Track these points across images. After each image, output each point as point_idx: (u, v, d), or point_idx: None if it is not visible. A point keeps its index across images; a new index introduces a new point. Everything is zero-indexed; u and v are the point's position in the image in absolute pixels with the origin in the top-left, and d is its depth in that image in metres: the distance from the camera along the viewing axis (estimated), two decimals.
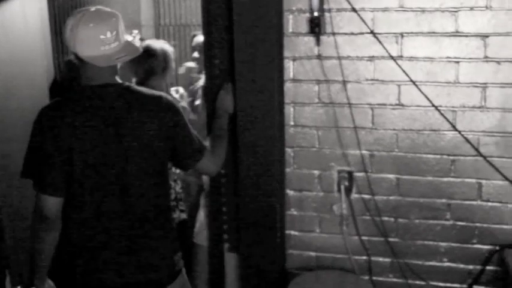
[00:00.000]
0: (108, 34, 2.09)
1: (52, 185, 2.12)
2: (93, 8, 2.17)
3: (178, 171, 3.36)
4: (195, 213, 3.38)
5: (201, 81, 3.49)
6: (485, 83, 2.54)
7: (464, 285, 2.75)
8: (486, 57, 2.51)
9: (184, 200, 3.51)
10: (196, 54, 3.94)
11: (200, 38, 3.92)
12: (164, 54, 3.36)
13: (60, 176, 2.12)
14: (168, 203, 2.39)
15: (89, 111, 2.12)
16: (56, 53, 3.40)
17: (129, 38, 2.22)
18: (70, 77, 3.34)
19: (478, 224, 2.69)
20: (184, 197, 3.51)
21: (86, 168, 2.13)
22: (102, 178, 2.15)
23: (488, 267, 2.70)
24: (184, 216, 3.45)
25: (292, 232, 2.90)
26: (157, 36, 5.44)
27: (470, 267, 2.74)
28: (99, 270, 2.22)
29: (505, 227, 2.66)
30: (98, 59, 2.09)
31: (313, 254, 2.91)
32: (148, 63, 3.29)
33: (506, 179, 2.60)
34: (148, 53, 3.27)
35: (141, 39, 4.24)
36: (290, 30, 2.68)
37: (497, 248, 2.67)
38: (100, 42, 2.08)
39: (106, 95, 2.15)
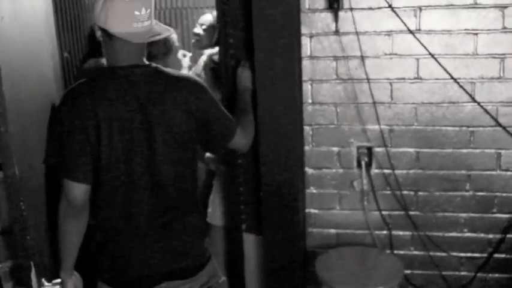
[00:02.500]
0: (143, 11, 2.00)
1: (80, 171, 2.04)
2: None
3: None
4: (205, 196, 3.36)
5: (204, 56, 3.47)
6: (503, 54, 2.56)
7: (485, 254, 2.80)
8: (504, 28, 2.53)
9: None
10: (198, 30, 3.89)
11: (206, 16, 3.89)
12: (164, 40, 3.34)
13: (88, 162, 2.04)
14: (196, 188, 2.32)
15: (116, 94, 2.04)
16: (60, 41, 3.33)
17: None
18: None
19: (497, 194, 2.73)
20: None
21: (113, 153, 2.05)
22: (129, 163, 2.08)
23: (508, 235, 2.75)
24: None
25: (312, 210, 2.90)
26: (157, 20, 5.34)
27: (491, 236, 2.78)
28: (128, 260, 2.16)
29: None
30: (130, 36, 2.00)
31: (333, 231, 2.92)
32: (147, 49, 3.28)
33: None
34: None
35: None
36: (307, 6, 2.65)
37: None
38: (134, 18, 1.99)
39: (135, 76, 2.06)
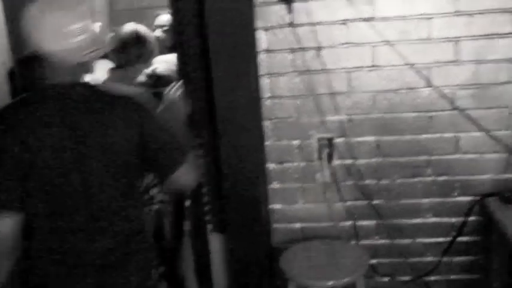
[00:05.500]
0: (74, 25, 1.76)
1: (8, 201, 1.81)
2: None
3: None
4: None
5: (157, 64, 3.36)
6: (457, 37, 2.58)
7: (449, 238, 2.81)
8: (457, 11, 2.55)
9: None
10: (158, 33, 3.81)
11: (163, 17, 3.81)
12: (154, 40, 3.25)
13: (17, 190, 1.81)
14: (142, 221, 2.04)
15: (48, 117, 1.82)
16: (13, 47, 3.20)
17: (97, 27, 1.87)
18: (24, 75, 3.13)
19: (458, 177, 2.75)
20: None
21: (45, 181, 1.83)
22: (63, 193, 1.85)
23: (470, 218, 2.77)
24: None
25: (276, 206, 2.86)
26: (113, 23, 5.17)
27: (454, 220, 2.80)
28: None
29: (483, 177, 2.73)
30: (62, 55, 1.78)
31: (298, 225, 2.88)
32: (138, 49, 3.15)
33: (483, 129, 2.66)
34: (139, 39, 3.16)
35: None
36: None
37: (478, 198, 2.74)
38: (63, 35, 1.75)
39: (69, 96, 1.84)
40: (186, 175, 1.98)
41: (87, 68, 1.90)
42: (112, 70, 3.15)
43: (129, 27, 3.18)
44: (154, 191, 3.27)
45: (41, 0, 1.78)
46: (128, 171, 1.92)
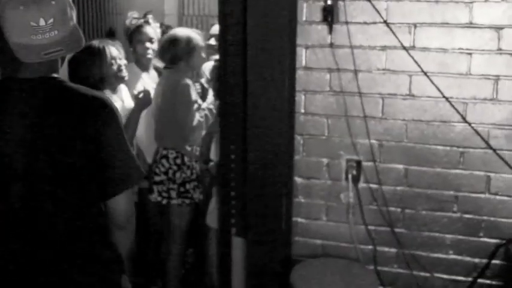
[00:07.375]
0: (42, 21, 1.70)
1: None
2: None
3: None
4: (206, 199, 3.46)
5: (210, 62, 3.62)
6: (497, 76, 2.54)
7: (469, 279, 2.75)
8: (500, 49, 2.51)
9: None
10: (212, 41, 4.01)
11: (217, 27, 3.99)
12: (187, 41, 3.49)
13: None
14: (93, 236, 1.89)
15: (9, 106, 1.78)
16: None
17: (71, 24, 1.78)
18: None
19: (485, 217, 2.69)
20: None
21: None
22: (5, 192, 1.78)
23: (494, 261, 2.70)
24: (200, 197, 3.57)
25: (299, 219, 2.92)
26: (181, 26, 5.53)
27: (476, 260, 2.74)
28: None
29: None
30: (24, 51, 1.71)
31: (319, 242, 2.92)
32: (171, 51, 3.49)
33: None
34: (171, 41, 3.51)
35: (167, 27, 4.39)
36: (304, 18, 2.69)
37: (504, 242, 2.66)
38: (31, 29, 1.70)
39: (30, 91, 1.78)
40: (120, 204, 1.87)
41: (54, 67, 1.84)
42: (164, 68, 3.49)
43: (171, 31, 3.50)
44: (190, 186, 3.46)
45: None
46: (81, 178, 1.81)
